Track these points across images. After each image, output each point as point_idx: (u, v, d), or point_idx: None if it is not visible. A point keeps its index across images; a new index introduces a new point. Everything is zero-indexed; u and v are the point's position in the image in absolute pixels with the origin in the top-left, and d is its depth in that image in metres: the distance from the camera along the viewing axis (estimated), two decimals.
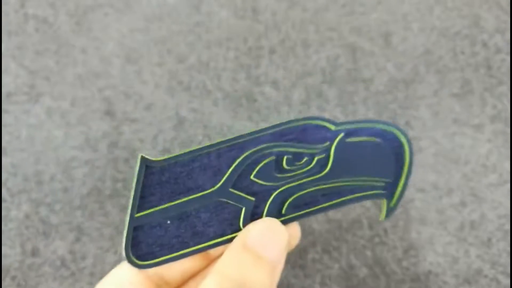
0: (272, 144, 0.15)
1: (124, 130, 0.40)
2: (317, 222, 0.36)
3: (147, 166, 0.16)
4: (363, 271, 0.35)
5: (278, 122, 0.15)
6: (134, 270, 0.17)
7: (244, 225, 0.16)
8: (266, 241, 0.15)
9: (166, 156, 0.16)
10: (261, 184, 0.16)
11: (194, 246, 0.16)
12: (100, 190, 0.37)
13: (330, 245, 0.36)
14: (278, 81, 0.41)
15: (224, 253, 0.16)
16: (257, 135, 0.15)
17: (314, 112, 0.40)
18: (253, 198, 0.16)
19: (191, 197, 0.15)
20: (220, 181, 0.15)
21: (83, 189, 0.37)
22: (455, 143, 0.39)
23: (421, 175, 0.38)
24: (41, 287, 0.35)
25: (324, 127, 0.16)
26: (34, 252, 0.36)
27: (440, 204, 0.37)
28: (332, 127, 0.16)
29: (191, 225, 0.16)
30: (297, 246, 0.36)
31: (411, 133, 0.39)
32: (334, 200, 0.16)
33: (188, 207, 0.15)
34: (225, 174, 0.15)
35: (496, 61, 0.42)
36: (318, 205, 0.16)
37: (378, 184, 0.17)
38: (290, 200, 0.16)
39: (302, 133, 0.16)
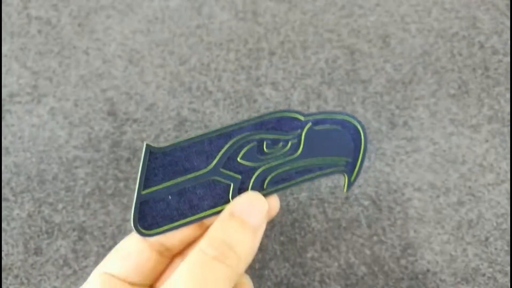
0: (254, 132, 0.19)
1: (126, 130, 0.40)
2: (316, 221, 0.37)
3: (151, 152, 0.19)
4: (361, 270, 0.35)
5: (258, 115, 0.19)
6: (140, 240, 0.20)
7: (232, 198, 0.20)
8: (250, 209, 0.18)
9: (167, 143, 0.19)
10: (246, 165, 0.19)
11: (192, 216, 0.19)
12: (103, 189, 0.38)
13: (329, 243, 0.36)
14: (278, 82, 0.42)
15: (215, 220, 0.19)
16: (241, 125, 0.19)
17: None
18: (239, 176, 0.19)
19: (188, 176, 0.19)
20: (212, 163, 0.19)
21: (85, 188, 0.38)
22: (452, 143, 0.39)
23: (419, 175, 0.38)
24: (44, 285, 0.35)
25: (296, 118, 0.20)
26: (37, 251, 0.36)
27: (437, 203, 0.37)
28: (302, 118, 0.20)
29: (189, 199, 0.19)
30: (297, 244, 0.36)
31: (409, 133, 0.40)
32: (306, 175, 0.21)
33: (186, 185, 0.19)
34: (216, 157, 0.19)
35: (493, 62, 0.42)
36: (293, 180, 0.21)
37: (341, 162, 0.21)
38: (270, 177, 0.20)
39: (278, 123, 0.19)
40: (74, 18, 0.45)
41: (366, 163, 0.39)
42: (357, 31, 0.44)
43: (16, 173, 0.39)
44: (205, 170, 0.19)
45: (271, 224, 0.37)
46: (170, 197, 0.19)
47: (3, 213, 0.37)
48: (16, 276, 0.36)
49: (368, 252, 0.36)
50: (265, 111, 0.21)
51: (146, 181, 0.19)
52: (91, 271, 0.36)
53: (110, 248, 0.36)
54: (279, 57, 0.43)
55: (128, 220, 0.37)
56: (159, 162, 0.19)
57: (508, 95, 0.41)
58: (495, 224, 0.37)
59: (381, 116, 0.40)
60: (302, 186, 0.38)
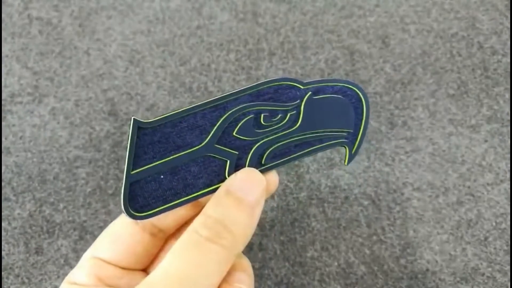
0: (250, 104, 0.18)
1: (127, 130, 0.40)
2: (316, 220, 0.37)
3: (139, 128, 0.17)
4: (361, 269, 0.35)
5: (254, 84, 0.18)
6: (130, 222, 0.18)
7: (229, 175, 0.18)
8: (246, 186, 0.17)
9: (156, 118, 0.17)
10: (243, 139, 0.18)
11: (186, 196, 0.18)
12: (103, 189, 0.38)
13: (329, 243, 0.36)
14: (279, 75, 0.42)
15: (210, 199, 0.17)
16: (237, 96, 0.17)
17: None
18: (236, 152, 0.18)
19: (181, 153, 0.17)
20: (206, 138, 0.17)
21: (86, 188, 0.38)
22: (451, 143, 0.39)
23: (418, 175, 0.38)
24: (45, 285, 0.35)
25: (295, 86, 0.18)
26: (38, 251, 0.36)
27: (437, 203, 0.37)
28: (301, 86, 0.18)
29: (183, 178, 0.18)
30: (296, 244, 0.36)
31: (408, 134, 0.40)
32: (305, 149, 0.19)
33: (179, 163, 0.17)
34: (210, 132, 0.17)
35: (492, 63, 0.43)
36: (292, 154, 0.19)
37: (341, 134, 0.19)
38: (268, 152, 0.18)
39: (276, 93, 0.18)
40: (75, 18, 0.45)
41: (365, 163, 0.39)
42: (356, 32, 0.44)
43: (17, 173, 0.39)
44: (198, 147, 0.17)
45: (271, 224, 0.37)
46: (162, 176, 0.17)
47: (4, 212, 0.38)
48: (17, 276, 0.36)
49: (367, 251, 0.36)
50: (261, 80, 0.18)
51: (135, 160, 0.17)
52: None
53: None
54: (279, 58, 0.43)
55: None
56: (149, 139, 0.17)
57: (507, 95, 0.41)
58: (494, 223, 0.37)
59: (380, 116, 0.40)
60: (302, 183, 0.38)
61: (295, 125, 0.18)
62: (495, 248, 0.36)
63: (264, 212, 0.37)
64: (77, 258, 0.36)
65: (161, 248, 0.20)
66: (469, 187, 0.38)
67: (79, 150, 0.39)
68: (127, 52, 0.44)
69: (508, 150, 0.39)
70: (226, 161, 0.18)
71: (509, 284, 0.35)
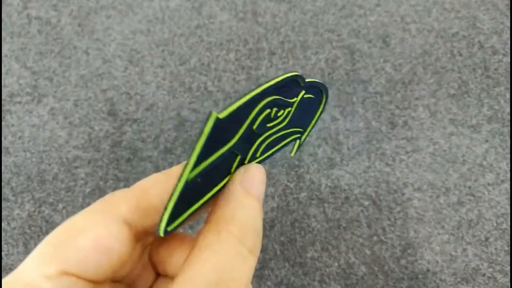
0: (271, 99, 0.16)
1: (127, 130, 0.40)
2: (316, 221, 0.37)
3: (218, 119, 0.14)
4: (361, 270, 0.35)
5: (277, 79, 0.16)
6: (119, 222, 0.15)
7: (235, 170, 0.16)
8: (259, 185, 0.16)
9: (226, 111, 0.14)
10: (256, 133, 0.17)
11: (206, 195, 0.15)
12: (103, 189, 0.38)
13: (329, 243, 0.36)
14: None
15: (226, 198, 0.15)
16: (263, 91, 0.15)
17: None
18: (247, 146, 0.17)
19: (220, 149, 0.15)
20: (238, 132, 0.15)
21: (85, 188, 0.38)
22: (452, 143, 0.39)
23: (419, 175, 0.38)
24: None
25: (298, 83, 0.18)
26: None
27: (437, 203, 0.37)
28: (302, 84, 0.18)
29: (209, 178, 0.15)
30: (297, 244, 0.36)
31: (409, 133, 0.40)
32: (281, 144, 0.19)
33: (215, 159, 0.15)
34: (242, 126, 0.15)
35: (493, 62, 0.42)
36: (273, 148, 0.19)
37: (300, 131, 0.20)
38: (263, 146, 0.18)
39: (288, 86, 0.17)
40: (74, 18, 0.45)
41: (366, 163, 0.39)
42: (357, 31, 0.44)
43: (16, 173, 0.39)
44: (232, 141, 0.15)
45: (271, 224, 0.37)
46: (199, 179, 0.14)
47: (3, 213, 0.37)
48: None
49: (368, 252, 0.36)
50: (281, 75, 0.16)
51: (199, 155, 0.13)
52: None
53: None
54: (279, 57, 0.43)
55: None
56: (218, 132, 0.14)
57: (508, 95, 0.41)
58: (495, 224, 0.37)
59: (381, 116, 0.40)
60: (302, 183, 0.38)
61: (285, 121, 0.18)
62: (496, 249, 0.36)
63: (264, 212, 0.37)
64: None
65: (142, 254, 0.16)
66: (470, 187, 0.38)
67: (78, 150, 0.39)
68: (126, 51, 0.43)
69: (509, 150, 0.39)
70: (238, 155, 0.16)
71: (510, 284, 0.35)
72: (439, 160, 0.39)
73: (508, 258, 0.36)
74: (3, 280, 0.13)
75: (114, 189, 0.38)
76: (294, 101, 0.18)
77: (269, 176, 0.38)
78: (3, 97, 0.42)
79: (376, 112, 0.40)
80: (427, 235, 0.36)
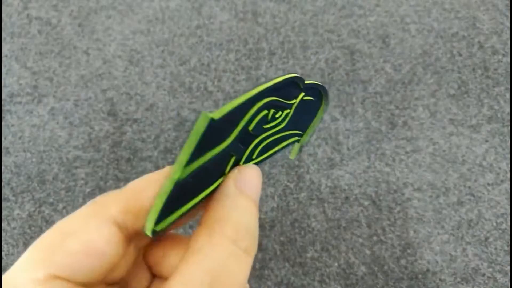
0: (269, 100, 0.16)
1: (127, 130, 0.40)
2: (316, 221, 0.37)
3: (212, 121, 0.14)
4: (361, 270, 0.35)
5: (276, 81, 0.16)
6: (109, 224, 0.14)
7: (229, 171, 0.16)
8: (255, 185, 0.16)
9: (220, 112, 0.14)
10: (252, 135, 0.17)
11: (198, 195, 0.15)
12: (103, 189, 0.38)
13: (329, 243, 0.36)
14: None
15: (220, 199, 0.15)
16: (260, 91, 0.16)
17: None
18: (242, 147, 0.16)
19: (212, 149, 0.15)
20: (233, 133, 0.15)
21: (86, 188, 0.38)
22: (452, 143, 0.39)
23: (419, 175, 0.38)
24: None
25: (298, 85, 0.17)
26: None
27: (437, 203, 0.37)
28: (301, 86, 0.18)
29: (201, 178, 0.15)
30: (297, 244, 0.36)
31: (409, 134, 0.40)
32: (279, 146, 0.18)
33: (208, 160, 0.15)
34: (237, 127, 0.16)
35: (492, 63, 0.42)
36: (270, 150, 0.18)
37: (299, 133, 0.19)
38: (260, 148, 0.18)
39: (286, 88, 0.17)
40: (74, 18, 0.45)
41: (366, 163, 0.39)
42: (357, 31, 0.44)
43: (17, 173, 0.39)
44: (226, 142, 0.15)
45: (271, 224, 0.37)
46: (190, 179, 0.14)
47: (4, 213, 0.37)
48: None
49: (368, 252, 0.36)
50: (280, 76, 0.16)
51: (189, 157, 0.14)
52: None
53: None
54: (279, 57, 0.43)
55: None
56: (213, 132, 0.14)
57: (508, 95, 0.41)
58: (495, 224, 0.37)
59: (381, 116, 0.40)
60: (302, 183, 0.38)
61: (283, 123, 0.18)
62: (495, 249, 0.36)
63: (264, 212, 0.37)
64: None
65: (133, 256, 0.16)
66: (469, 187, 0.38)
67: (78, 150, 0.39)
68: (126, 51, 0.43)
69: (509, 150, 0.39)
70: (232, 156, 0.16)
71: (509, 284, 0.35)
72: (439, 160, 0.39)
73: (508, 258, 0.36)
74: None
75: (115, 189, 0.38)
76: (293, 103, 0.17)
77: (269, 176, 0.38)
78: (3, 97, 0.42)
79: (376, 112, 0.40)
80: (427, 235, 0.36)
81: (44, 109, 0.41)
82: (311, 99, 0.18)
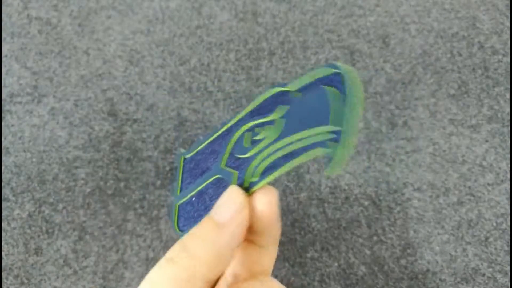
0: (250, 121, 0.18)
1: (127, 130, 0.40)
2: (316, 221, 0.37)
3: (184, 158, 0.20)
4: (361, 270, 0.35)
5: (254, 101, 0.18)
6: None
7: None
8: (219, 203, 0.17)
9: (195, 149, 0.19)
10: (241, 158, 0.18)
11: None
12: (103, 189, 0.38)
13: (329, 243, 0.36)
14: (278, 82, 0.42)
15: None
16: (241, 116, 0.18)
17: None
18: (236, 171, 0.18)
19: (202, 177, 0.19)
20: (218, 161, 0.19)
21: (86, 188, 0.38)
22: (452, 143, 0.39)
23: (419, 175, 0.38)
24: (44, 285, 0.35)
25: (284, 91, 0.17)
26: (37, 251, 0.36)
27: (437, 203, 0.37)
28: (291, 89, 0.17)
29: (203, 200, 0.19)
30: (297, 244, 0.36)
31: (409, 134, 0.40)
32: (290, 161, 0.17)
33: (202, 185, 0.19)
34: (220, 154, 0.19)
35: (493, 63, 0.42)
36: (279, 167, 0.17)
37: (327, 135, 0.16)
38: (260, 170, 0.18)
39: (268, 104, 0.17)
40: (74, 18, 0.45)
41: (366, 163, 0.39)
42: (357, 31, 0.44)
43: (17, 173, 0.39)
44: (212, 170, 0.19)
45: None
46: (194, 198, 0.19)
47: (4, 213, 0.37)
48: (17, 276, 0.36)
49: (368, 252, 0.36)
50: (258, 94, 0.17)
51: (180, 185, 0.20)
52: (91, 271, 0.36)
53: (110, 248, 0.36)
54: (279, 57, 0.43)
55: (129, 220, 0.37)
56: (187, 166, 0.20)
57: (508, 95, 0.41)
58: (495, 224, 0.37)
59: (381, 116, 0.40)
60: (302, 183, 0.38)
61: (279, 132, 0.17)
62: (495, 249, 0.36)
63: None
64: (77, 259, 0.36)
65: None
66: (469, 187, 0.38)
67: (78, 150, 0.39)
68: (126, 52, 0.43)
69: (509, 150, 0.39)
70: (228, 181, 0.19)
71: (509, 284, 0.35)
72: (439, 160, 0.39)
73: (508, 258, 0.36)
74: None
75: (115, 189, 0.38)
76: (284, 111, 0.17)
77: None
78: (3, 97, 0.42)
79: (376, 112, 0.40)
80: (427, 235, 0.36)
81: (44, 109, 0.41)
82: (320, 90, 0.16)
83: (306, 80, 0.16)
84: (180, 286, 0.15)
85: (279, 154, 0.17)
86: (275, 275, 0.35)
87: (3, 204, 0.38)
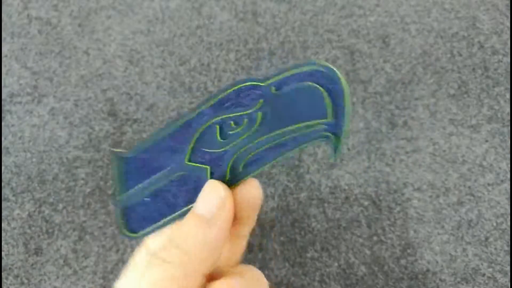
0: (214, 115, 0.17)
1: (127, 131, 0.40)
2: (316, 221, 0.37)
3: (120, 158, 0.18)
4: (361, 270, 0.35)
5: (213, 93, 0.18)
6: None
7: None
8: (201, 197, 0.17)
9: (133, 148, 0.18)
10: (212, 152, 0.18)
11: (170, 215, 0.18)
12: (103, 189, 0.38)
13: (329, 243, 0.36)
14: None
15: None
16: (199, 111, 0.18)
17: None
18: (207, 166, 0.18)
19: (157, 176, 0.18)
20: (177, 157, 0.18)
21: (86, 188, 0.38)
22: (452, 143, 0.39)
23: (419, 175, 0.38)
24: (44, 285, 0.35)
25: (256, 85, 0.17)
26: (37, 251, 0.36)
27: (437, 203, 0.37)
28: (262, 83, 0.17)
29: (164, 198, 0.18)
30: (297, 244, 0.36)
31: (409, 134, 0.40)
32: (280, 152, 0.18)
33: (158, 184, 0.18)
34: (179, 151, 0.18)
35: (493, 62, 0.42)
36: (266, 161, 0.18)
37: (319, 127, 0.17)
38: (243, 161, 0.18)
39: (238, 97, 0.17)
40: (74, 18, 0.45)
41: (366, 163, 0.39)
42: (357, 31, 0.44)
43: (17, 173, 0.39)
44: (171, 167, 0.18)
45: (271, 225, 0.37)
46: (147, 199, 0.18)
47: (4, 213, 0.37)
48: (17, 276, 0.36)
49: (368, 252, 0.36)
50: (220, 88, 0.17)
51: (121, 187, 0.19)
52: (91, 271, 0.36)
53: (110, 248, 0.37)
54: (279, 58, 0.43)
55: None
56: (130, 167, 0.19)
57: (508, 95, 0.41)
58: (495, 224, 0.37)
59: (381, 116, 0.40)
60: (302, 183, 0.38)
61: (261, 127, 0.17)
62: (495, 249, 0.36)
63: (264, 212, 0.37)
64: (77, 259, 0.36)
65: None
66: (469, 187, 0.38)
67: (78, 150, 0.39)
68: (126, 52, 0.43)
69: (509, 150, 0.39)
70: (201, 176, 0.18)
71: (509, 284, 0.35)
72: (439, 160, 0.39)
73: (508, 258, 0.36)
74: None
75: (115, 189, 0.38)
76: (259, 105, 0.17)
77: (269, 176, 0.38)
78: (3, 97, 0.42)
79: (376, 112, 0.40)
80: (427, 235, 0.36)
81: (44, 109, 0.41)
82: (301, 86, 0.17)
83: (281, 75, 0.17)
84: (177, 285, 0.15)
85: (265, 146, 0.17)
86: (275, 275, 0.35)
87: (3, 204, 0.38)
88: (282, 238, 0.36)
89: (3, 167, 0.39)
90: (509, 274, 0.35)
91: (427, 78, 0.42)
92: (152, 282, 0.15)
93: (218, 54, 0.43)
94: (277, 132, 0.17)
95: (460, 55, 0.43)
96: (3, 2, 0.46)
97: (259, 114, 0.17)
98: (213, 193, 0.17)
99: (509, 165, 0.38)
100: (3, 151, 0.40)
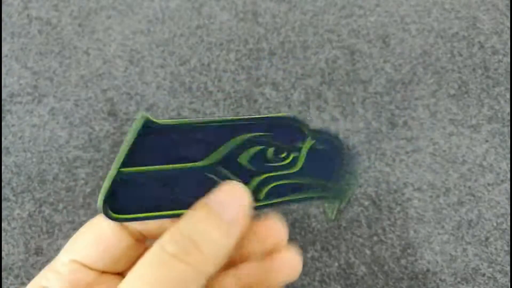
0: (261, 134, 0.17)
1: (127, 130, 0.40)
2: (317, 221, 0.37)
3: (146, 126, 0.16)
4: (361, 270, 0.35)
5: (268, 115, 0.17)
6: (119, 226, 0.17)
7: None
8: (226, 200, 0.16)
9: (168, 121, 0.16)
10: (246, 168, 0.17)
11: (169, 211, 0.16)
12: None
13: (329, 243, 0.36)
14: (278, 82, 0.42)
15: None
16: (251, 122, 0.17)
17: (314, 112, 0.40)
18: (238, 179, 0.17)
19: (181, 165, 0.16)
20: (210, 156, 0.16)
21: (86, 188, 0.38)
22: (452, 143, 0.39)
23: (419, 175, 0.38)
24: None
25: (300, 129, 0.17)
26: (38, 251, 0.36)
27: (437, 203, 0.37)
28: (305, 131, 0.17)
29: (173, 192, 0.16)
30: (297, 245, 0.36)
31: (409, 134, 0.40)
32: (298, 194, 0.18)
33: (175, 175, 0.16)
34: (216, 150, 0.16)
35: (493, 62, 0.42)
36: (286, 197, 0.18)
37: (328, 187, 0.18)
38: (266, 188, 0.17)
39: (285, 130, 0.17)
40: (74, 18, 0.45)
41: (366, 163, 0.39)
42: (357, 31, 0.44)
43: (17, 173, 0.39)
44: (200, 163, 0.16)
45: None
46: (153, 184, 0.16)
47: (4, 213, 0.37)
48: (17, 276, 0.36)
49: (368, 252, 0.36)
50: (274, 113, 0.17)
51: (130, 158, 0.16)
52: None
53: None
54: (279, 57, 0.43)
55: None
56: (153, 141, 0.16)
57: (508, 95, 0.41)
58: (495, 224, 0.37)
59: (381, 116, 0.40)
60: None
61: (296, 168, 0.17)
62: (496, 249, 0.36)
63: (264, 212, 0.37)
64: None
65: (142, 252, 0.18)
66: (469, 187, 0.38)
67: (78, 150, 0.39)
68: (126, 52, 0.43)
69: (509, 150, 0.39)
70: (216, 181, 0.17)
71: (510, 284, 0.35)
72: (439, 160, 0.39)
73: (508, 258, 0.36)
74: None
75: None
76: (300, 147, 0.17)
77: None
78: (3, 97, 0.42)
79: (376, 112, 0.40)
80: (427, 235, 0.36)
81: (44, 109, 0.41)
82: (324, 149, 0.18)
83: (320, 135, 0.18)
84: (186, 286, 0.15)
85: (290, 184, 0.18)
86: None
87: (3, 204, 0.38)
88: None
89: (3, 167, 0.39)
90: (509, 274, 0.35)
91: (427, 78, 0.42)
92: (167, 283, 0.14)
93: (218, 54, 0.43)
94: (305, 178, 0.18)
95: (460, 55, 0.43)
96: (3, 2, 0.46)
97: (296, 154, 0.17)
98: (239, 197, 0.16)
99: (509, 165, 0.38)
100: (3, 151, 0.40)
